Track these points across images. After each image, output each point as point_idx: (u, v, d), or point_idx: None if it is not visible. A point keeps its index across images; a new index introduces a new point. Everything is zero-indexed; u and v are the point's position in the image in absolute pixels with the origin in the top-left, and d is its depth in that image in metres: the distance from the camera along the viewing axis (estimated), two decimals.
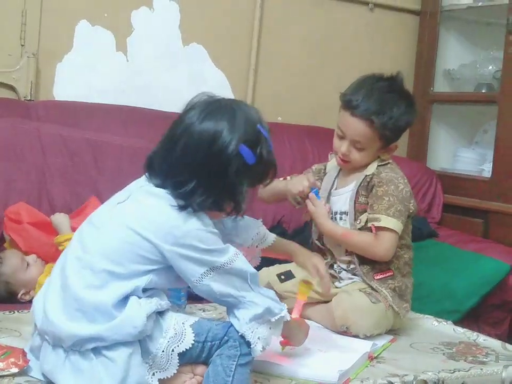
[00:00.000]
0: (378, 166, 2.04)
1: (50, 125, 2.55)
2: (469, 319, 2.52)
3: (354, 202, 2.03)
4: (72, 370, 1.41)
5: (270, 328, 1.48)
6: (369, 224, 1.98)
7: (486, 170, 3.16)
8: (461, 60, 3.42)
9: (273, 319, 1.48)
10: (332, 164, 2.17)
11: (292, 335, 1.65)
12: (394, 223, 1.96)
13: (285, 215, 2.84)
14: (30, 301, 1.57)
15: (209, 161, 1.44)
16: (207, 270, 1.43)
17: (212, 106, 1.48)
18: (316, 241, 2.14)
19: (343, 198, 2.07)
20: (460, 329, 2.14)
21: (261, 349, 1.46)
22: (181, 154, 1.44)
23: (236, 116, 1.46)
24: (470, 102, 3.35)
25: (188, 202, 1.44)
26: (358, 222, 2.02)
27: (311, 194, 2.03)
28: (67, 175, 2.50)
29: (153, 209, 1.45)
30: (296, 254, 1.86)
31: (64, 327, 1.41)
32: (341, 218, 2.07)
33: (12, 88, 2.70)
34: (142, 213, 1.45)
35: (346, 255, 2.07)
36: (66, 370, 1.42)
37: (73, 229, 1.97)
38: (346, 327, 1.93)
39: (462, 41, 3.45)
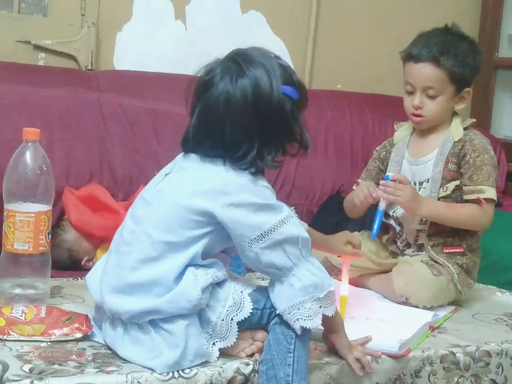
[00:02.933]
0: (464, 129, 1.99)
1: (110, 94, 2.56)
2: None
3: (443, 169, 1.98)
4: (131, 343, 1.43)
5: (321, 307, 1.41)
6: (471, 196, 1.94)
7: None
8: None
9: (321, 295, 1.41)
10: (400, 133, 2.11)
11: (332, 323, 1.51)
12: (494, 193, 1.95)
13: (344, 183, 2.82)
14: None
15: (262, 119, 1.41)
16: (257, 236, 1.39)
17: (234, 65, 1.43)
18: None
19: (427, 166, 2.01)
20: None
21: (301, 330, 1.41)
22: (233, 128, 1.40)
23: (261, 64, 1.43)
24: None
25: (256, 166, 1.42)
26: (444, 190, 1.97)
27: (385, 182, 1.94)
28: (127, 144, 2.52)
29: (201, 172, 1.43)
30: (328, 241, 1.82)
31: (120, 304, 1.42)
32: (419, 189, 2.00)
33: (73, 58, 2.72)
34: (189, 179, 1.43)
35: (420, 223, 2.01)
36: (126, 343, 1.43)
37: None
38: (406, 298, 1.91)
39: None
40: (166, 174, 1.50)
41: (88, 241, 2.20)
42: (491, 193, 1.94)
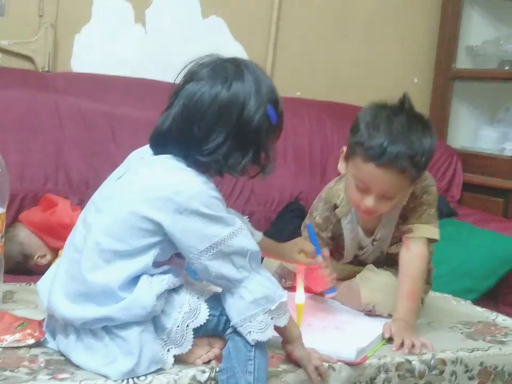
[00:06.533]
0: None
1: (68, 96, 2.54)
2: (487, 298, 2.50)
3: (394, 230, 1.92)
4: (85, 350, 1.40)
5: (272, 319, 1.41)
6: (403, 236, 1.87)
7: (508, 149, 3.13)
8: (484, 36, 3.37)
9: (273, 307, 1.41)
10: (343, 208, 1.92)
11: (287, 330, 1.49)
12: (429, 230, 1.86)
13: (303, 191, 2.82)
14: (48, 266, 1.56)
15: (241, 127, 1.40)
16: (206, 248, 1.38)
17: (229, 71, 1.42)
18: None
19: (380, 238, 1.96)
20: (478, 309, 2.12)
21: (253, 342, 1.40)
22: (211, 126, 1.39)
23: (258, 78, 1.43)
24: (493, 79, 3.31)
25: (219, 167, 1.41)
26: (396, 247, 1.94)
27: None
28: (84, 147, 2.49)
29: (153, 179, 1.40)
30: (281, 249, 1.78)
31: (71, 311, 1.39)
32: (372, 244, 1.97)
33: (29, 59, 2.69)
34: (140, 186, 1.40)
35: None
36: (79, 349, 1.41)
37: None
38: (373, 306, 1.89)
39: (486, 17, 3.40)
40: (118, 178, 1.47)
41: (38, 238, 2.20)
42: (422, 231, 1.85)
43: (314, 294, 1.92)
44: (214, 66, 1.44)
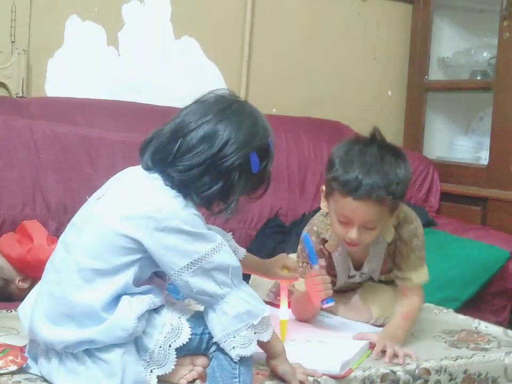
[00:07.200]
0: (395, 227, 1.89)
1: (42, 121, 2.52)
2: (469, 307, 2.50)
3: (382, 266, 1.96)
4: (67, 374, 1.39)
5: (255, 333, 1.42)
6: (400, 283, 1.90)
7: (483, 157, 3.15)
8: (455, 48, 3.40)
9: (256, 322, 1.41)
10: (333, 242, 1.94)
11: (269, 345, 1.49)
12: (422, 275, 1.91)
13: (282, 207, 2.83)
14: (29, 289, 1.55)
15: (218, 159, 1.42)
16: (187, 264, 1.38)
17: (230, 107, 1.46)
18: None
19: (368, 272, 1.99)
20: (461, 317, 2.13)
21: (237, 358, 1.40)
22: (191, 147, 1.41)
23: (254, 126, 1.46)
24: (465, 89, 3.34)
25: (186, 187, 1.41)
26: (385, 277, 1.98)
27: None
28: (61, 171, 2.48)
29: (133, 197, 1.41)
30: (264, 265, 1.81)
31: (53, 334, 1.39)
32: (360, 277, 1.99)
33: (3, 85, 2.68)
34: (119, 205, 1.41)
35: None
36: (61, 374, 1.40)
37: None
38: (384, 319, 1.91)
39: (456, 28, 3.43)
40: (97, 199, 1.47)
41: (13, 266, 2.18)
42: (419, 278, 1.90)
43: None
44: (220, 97, 1.48)
